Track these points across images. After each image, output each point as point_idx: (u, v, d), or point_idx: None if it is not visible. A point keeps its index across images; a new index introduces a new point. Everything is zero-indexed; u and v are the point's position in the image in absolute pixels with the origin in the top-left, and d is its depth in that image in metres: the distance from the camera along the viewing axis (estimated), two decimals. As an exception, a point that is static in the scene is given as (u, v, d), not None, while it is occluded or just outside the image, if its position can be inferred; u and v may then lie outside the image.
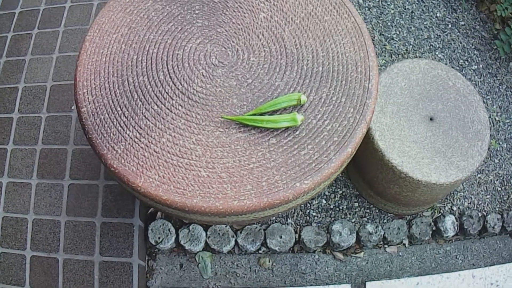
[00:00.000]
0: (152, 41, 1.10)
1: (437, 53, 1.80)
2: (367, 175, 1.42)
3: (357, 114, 1.01)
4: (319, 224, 1.48)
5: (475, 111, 1.33)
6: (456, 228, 1.51)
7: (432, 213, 1.54)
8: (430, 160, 1.26)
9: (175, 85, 1.05)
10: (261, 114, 1.00)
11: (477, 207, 1.58)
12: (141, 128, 1.01)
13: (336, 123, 1.00)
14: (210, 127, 1.00)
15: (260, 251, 1.47)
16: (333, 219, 1.49)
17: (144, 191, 0.97)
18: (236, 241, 1.45)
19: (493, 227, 1.51)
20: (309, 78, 1.05)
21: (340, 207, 1.51)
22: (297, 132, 0.99)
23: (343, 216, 1.50)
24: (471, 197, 1.59)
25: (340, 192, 1.53)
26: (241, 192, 0.94)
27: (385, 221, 1.50)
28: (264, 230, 1.46)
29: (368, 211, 1.51)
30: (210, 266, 1.47)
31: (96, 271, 1.38)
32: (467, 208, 1.57)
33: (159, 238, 1.43)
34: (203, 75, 1.06)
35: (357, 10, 1.88)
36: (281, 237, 1.44)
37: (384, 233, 1.47)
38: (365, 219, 1.50)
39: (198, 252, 1.47)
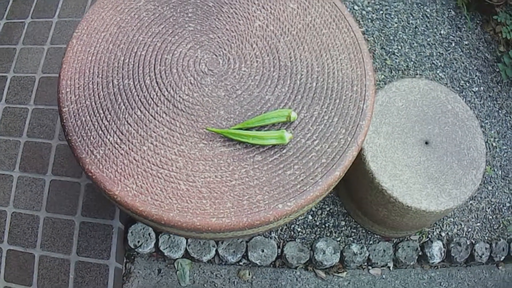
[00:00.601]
0: (141, 43, 1.04)
1: (438, 71, 1.74)
2: (356, 195, 1.36)
3: (348, 135, 0.95)
4: (303, 240, 1.42)
5: (472, 138, 1.27)
6: (443, 254, 1.46)
7: (420, 237, 1.48)
8: (422, 186, 1.20)
9: (161, 91, 0.99)
10: (248, 129, 0.94)
11: (466, 234, 1.52)
12: (122, 133, 0.95)
13: (326, 144, 0.94)
14: (194, 138, 0.94)
15: (240, 263, 1.41)
16: (318, 236, 1.43)
17: (120, 200, 0.91)
18: (217, 251, 1.39)
19: (481, 256, 1.46)
20: (302, 93, 0.99)
21: (326, 225, 1.45)
22: (284, 151, 0.93)
23: (328, 234, 1.44)
24: (461, 224, 1.53)
25: (328, 209, 1.47)
26: (220, 210, 0.88)
27: (371, 242, 1.44)
28: (246, 242, 1.39)
29: (354, 230, 1.45)
30: (188, 274, 1.41)
31: (71, 270, 1.32)
32: (456, 235, 1.51)
33: (138, 242, 1.37)
34: (191, 83, 1.00)
35: (359, 21, 1.82)
36: (263, 251, 1.38)
37: (369, 255, 1.42)
38: (351, 238, 1.44)
39: (177, 259, 1.41)
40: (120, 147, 0.94)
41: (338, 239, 1.43)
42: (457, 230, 1.52)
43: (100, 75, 1.01)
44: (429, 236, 1.49)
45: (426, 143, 1.26)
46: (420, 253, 1.45)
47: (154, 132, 0.95)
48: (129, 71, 1.01)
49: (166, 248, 1.38)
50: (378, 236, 1.45)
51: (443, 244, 1.48)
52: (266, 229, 0.97)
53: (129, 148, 0.94)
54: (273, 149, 0.93)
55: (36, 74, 1.55)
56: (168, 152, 0.93)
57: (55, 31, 1.60)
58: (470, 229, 1.52)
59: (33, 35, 1.62)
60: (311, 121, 0.96)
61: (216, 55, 1.03)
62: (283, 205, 0.89)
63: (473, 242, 1.50)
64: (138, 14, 1.07)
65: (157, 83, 0.99)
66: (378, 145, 1.23)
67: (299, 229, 1.43)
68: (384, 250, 1.43)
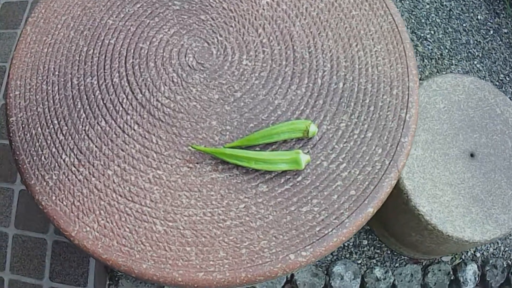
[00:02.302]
0: (110, 28, 0.75)
1: (475, 62, 1.42)
2: (384, 215, 1.07)
3: (386, 157, 0.66)
4: (318, 263, 1.14)
5: (530, 149, 0.97)
6: (477, 279, 1.18)
7: (452, 258, 1.20)
8: (466, 210, 0.91)
9: (132, 92, 0.70)
10: (250, 147, 0.65)
11: (503, 254, 1.23)
12: (81, 152, 0.67)
13: (356, 169, 0.65)
14: (175, 159, 0.66)
15: (243, 289, 1.14)
16: (335, 258, 1.15)
17: (78, 243, 0.63)
18: (215, 275, 1.12)
19: (524, 284, 1.17)
20: (324, 98, 0.69)
21: (346, 244, 1.17)
22: (299, 179, 0.64)
23: (347, 256, 1.16)
24: (497, 242, 1.24)
25: (347, 225, 1.19)
26: (210, 261, 0.61)
27: (397, 265, 1.16)
28: (251, 265, 1.12)
29: (378, 251, 1.17)
30: (183, 300, 1.14)
31: (43, 298, 1.06)
32: (492, 255, 1.23)
33: (123, 263, 1.11)
34: (173, 81, 0.71)
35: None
36: (270, 277, 1.11)
37: (394, 280, 1.14)
38: (374, 261, 1.16)
39: (169, 282, 1.15)
40: (78, 170, 0.66)
41: (359, 261, 1.15)
42: (493, 249, 1.24)
43: (57, 73, 0.73)
44: (463, 257, 1.20)
45: (472, 155, 0.96)
46: (452, 278, 1.17)
47: (122, 150, 0.66)
48: (92, 67, 0.72)
49: (156, 271, 1.11)
50: (405, 257, 1.17)
51: (478, 267, 1.20)
52: (270, 280, 0.70)
53: (90, 173, 0.66)
54: (283, 176, 0.64)
55: (7, 63, 1.26)
56: (140, 179, 0.65)
57: (30, 13, 1.31)
58: (508, 249, 1.24)
59: (5, 18, 1.32)
60: (336, 137, 0.67)
61: (208, 43, 0.73)
62: (295, 255, 0.61)
63: (510, 263, 1.21)
64: (107, -11, 0.78)
65: (128, 82, 0.70)
66: (415, 158, 0.93)
67: (312, 252, 1.15)
68: (412, 275, 1.15)
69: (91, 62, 0.72)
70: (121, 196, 0.64)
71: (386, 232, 1.12)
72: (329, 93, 0.69)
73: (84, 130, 0.68)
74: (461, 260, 1.19)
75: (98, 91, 0.70)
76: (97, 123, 0.68)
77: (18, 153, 0.69)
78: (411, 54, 0.74)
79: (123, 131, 0.67)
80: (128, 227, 0.63)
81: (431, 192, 0.91)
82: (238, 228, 0.62)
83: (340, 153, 0.65)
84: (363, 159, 0.65)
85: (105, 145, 0.67)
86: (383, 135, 0.67)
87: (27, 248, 1.09)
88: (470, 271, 1.17)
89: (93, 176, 0.66)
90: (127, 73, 0.71)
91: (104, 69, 0.72)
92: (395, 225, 1.03)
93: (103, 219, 0.63)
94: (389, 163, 0.66)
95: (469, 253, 1.21)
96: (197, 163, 0.65)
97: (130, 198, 0.64)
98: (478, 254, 1.21)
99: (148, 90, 0.70)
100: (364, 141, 0.67)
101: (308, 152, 0.65)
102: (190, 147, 0.65)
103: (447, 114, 0.98)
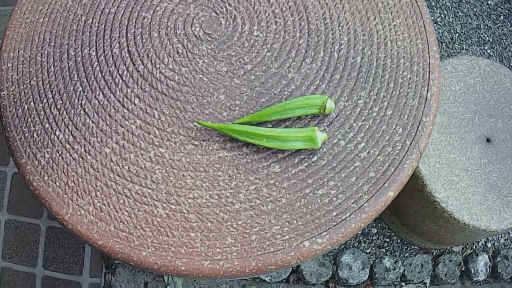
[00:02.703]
0: (108, -6, 0.68)
1: (486, 47, 1.36)
2: (396, 202, 1.01)
3: (407, 137, 0.60)
4: (325, 253, 1.09)
5: (550, 134, 0.91)
6: (488, 270, 1.13)
7: (463, 248, 1.15)
8: (482, 197, 0.86)
9: (134, 64, 0.64)
10: (261, 124, 0.59)
11: (515, 243, 1.19)
12: (76, 128, 0.61)
13: (375, 149, 0.59)
14: (179, 136, 0.60)
15: (246, 278, 1.09)
16: (343, 246, 1.10)
17: (71, 228, 0.58)
18: (217, 264, 1.06)
19: (536, 275, 1.13)
20: (341, 72, 0.63)
21: (352, 233, 1.12)
22: (315, 159, 0.59)
23: (356, 245, 1.11)
24: (508, 233, 1.19)
25: (354, 213, 1.13)
26: (217, 248, 0.55)
27: (406, 254, 1.11)
28: (254, 254, 1.07)
29: (387, 240, 1.12)
30: (183, 289, 1.09)
31: (37, 287, 1.01)
32: (503, 246, 1.18)
33: (122, 250, 1.05)
34: (177, 52, 0.64)
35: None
36: (274, 266, 1.06)
37: (404, 270, 1.09)
38: (383, 250, 1.11)
39: (169, 271, 1.09)
40: (73, 148, 0.60)
41: (368, 250, 1.10)
42: (504, 240, 1.19)
43: (53, 43, 0.66)
44: (474, 247, 1.15)
45: (488, 140, 0.91)
46: (463, 268, 1.12)
47: (121, 126, 0.60)
48: (91, 37, 0.66)
49: (155, 259, 1.06)
50: (416, 247, 1.12)
51: (489, 257, 1.15)
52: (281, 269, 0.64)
53: (85, 151, 0.60)
54: (297, 155, 0.59)
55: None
56: (140, 157, 0.59)
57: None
58: (519, 238, 1.19)
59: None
60: (355, 115, 0.61)
61: (216, 13, 0.67)
62: (310, 243, 0.55)
63: (523, 254, 1.17)
64: (106, -47, 0.71)
65: (128, 53, 0.64)
66: (431, 141, 0.88)
67: (318, 240, 1.10)
68: (422, 265, 1.10)
69: (90, 32, 0.66)
70: (119, 176, 0.58)
71: (397, 220, 1.06)
72: (346, 67, 0.64)
73: (80, 104, 0.62)
74: (472, 250, 1.14)
75: (96, 63, 0.64)
76: (95, 96, 0.62)
77: (8, 129, 0.63)
78: (431, 29, 0.68)
79: (123, 106, 0.61)
80: (126, 210, 0.57)
81: (447, 178, 0.86)
82: (247, 212, 0.56)
83: (358, 131, 0.60)
84: (382, 138, 0.60)
85: (102, 120, 0.61)
86: (404, 114, 0.62)
87: (20, 234, 1.03)
88: (482, 262, 1.13)
89: (89, 154, 0.60)
90: (128, 44, 0.65)
91: (104, 39, 0.65)
92: (407, 212, 0.98)
93: (99, 202, 0.58)
94: (410, 144, 0.60)
95: (480, 243, 1.16)
96: (203, 141, 0.59)
97: (129, 179, 0.58)
98: (489, 245, 1.17)
99: (151, 61, 0.64)
100: (383, 119, 0.61)
101: (324, 130, 0.59)
102: (195, 123, 0.59)
103: (462, 97, 0.92)
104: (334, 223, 0.56)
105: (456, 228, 0.87)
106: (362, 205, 0.56)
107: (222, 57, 0.64)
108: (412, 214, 0.96)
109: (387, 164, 0.58)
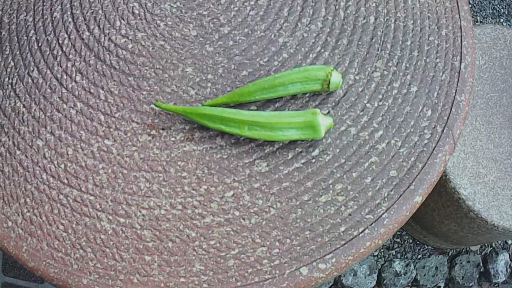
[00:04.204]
0: None
1: (501, 20, 1.19)
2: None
3: (438, 122, 0.43)
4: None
5: None
6: (508, 270, 0.98)
7: (481, 246, 0.99)
8: (515, 192, 0.70)
9: (77, 30, 0.46)
10: (242, 106, 0.42)
11: (536, 239, 1.03)
12: (4, 114, 0.44)
13: (397, 139, 0.43)
14: (131, 124, 0.43)
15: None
16: (344, 247, 0.94)
17: (-8, 244, 0.41)
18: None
19: None
20: (349, 36, 0.46)
21: (356, 231, 0.96)
22: (316, 153, 0.42)
23: (359, 245, 0.95)
24: (531, 226, 1.03)
25: (358, 209, 0.98)
26: (181, 277, 0.38)
27: (419, 256, 0.95)
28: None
29: (398, 240, 0.95)
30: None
31: (-4, 296, 0.85)
32: (524, 242, 1.02)
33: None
34: (133, 13, 0.47)
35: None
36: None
37: (417, 274, 0.93)
38: (393, 252, 0.95)
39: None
40: (0, 141, 0.43)
41: (375, 253, 0.94)
42: (524, 234, 1.03)
43: (-30, 1, 0.49)
44: (493, 244, 1.00)
45: (519, 124, 0.74)
46: (481, 270, 0.97)
47: (57, 111, 0.43)
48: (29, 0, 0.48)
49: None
50: (430, 247, 0.96)
51: (510, 256, 0.99)
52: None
53: (14, 143, 0.43)
54: (292, 149, 0.42)
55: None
56: (80, 152, 0.42)
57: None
58: (540, 233, 1.03)
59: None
60: (369, 92, 0.44)
61: (182, -40, 0.49)
62: (310, 269, 0.39)
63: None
64: None
65: (72, 17, 0.47)
66: (453, 128, 0.71)
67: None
68: (437, 267, 0.94)
69: (16, -13, 0.49)
70: (53, 177, 0.42)
71: (411, 218, 0.90)
72: (356, 30, 0.46)
73: (11, 84, 0.45)
74: (491, 248, 0.99)
75: (32, 31, 0.47)
76: (28, 73, 0.45)
77: None
78: (464, -18, 0.51)
79: (61, 84, 0.44)
80: (62, 224, 0.40)
81: (474, 170, 0.69)
82: (222, 228, 0.39)
83: (374, 115, 0.43)
84: (406, 124, 0.43)
85: (35, 103, 0.44)
86: (432, 91, 0.45)
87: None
88: (502, 262, 0.97)
89: (18, 149, 0.43)
90: (72, 5, 0.47)
91: (43, 1, 0.48)
92: (423, 210, 0.81)
93: (29, 211, 0.41)
94: (442, 131, 0.43)
95: (499, 241, 1.01)
96: (162, 129, 0.42)
97: (65, 181, 0.41)
98: (509, 242, 1.01)
99: (98, 26, 0.46)
100: (407, 98, 0.44)
101: (328, 113, 0.42)
102: (152, 106, 0.42)
103: (488, 73, 0.75)
104: (343, 242, 0.39)
105: (483, 230, 0.71)
106: (381, 216, 0.40)
107: (191, 17, 0.46)
108: (429, 213, 0.79)
109: (412, 159, 0.42)
